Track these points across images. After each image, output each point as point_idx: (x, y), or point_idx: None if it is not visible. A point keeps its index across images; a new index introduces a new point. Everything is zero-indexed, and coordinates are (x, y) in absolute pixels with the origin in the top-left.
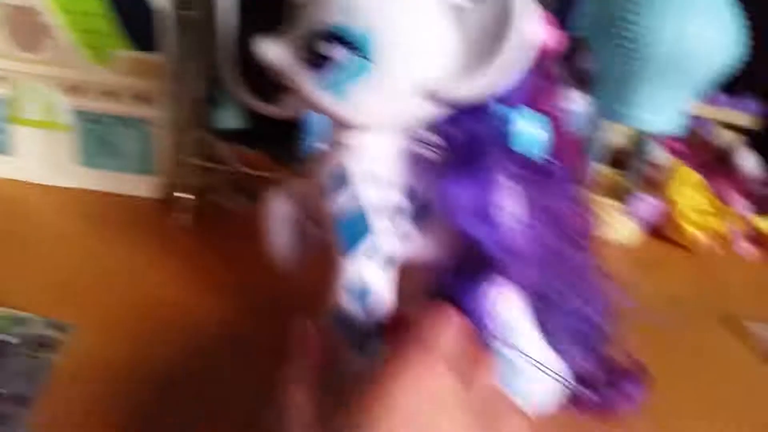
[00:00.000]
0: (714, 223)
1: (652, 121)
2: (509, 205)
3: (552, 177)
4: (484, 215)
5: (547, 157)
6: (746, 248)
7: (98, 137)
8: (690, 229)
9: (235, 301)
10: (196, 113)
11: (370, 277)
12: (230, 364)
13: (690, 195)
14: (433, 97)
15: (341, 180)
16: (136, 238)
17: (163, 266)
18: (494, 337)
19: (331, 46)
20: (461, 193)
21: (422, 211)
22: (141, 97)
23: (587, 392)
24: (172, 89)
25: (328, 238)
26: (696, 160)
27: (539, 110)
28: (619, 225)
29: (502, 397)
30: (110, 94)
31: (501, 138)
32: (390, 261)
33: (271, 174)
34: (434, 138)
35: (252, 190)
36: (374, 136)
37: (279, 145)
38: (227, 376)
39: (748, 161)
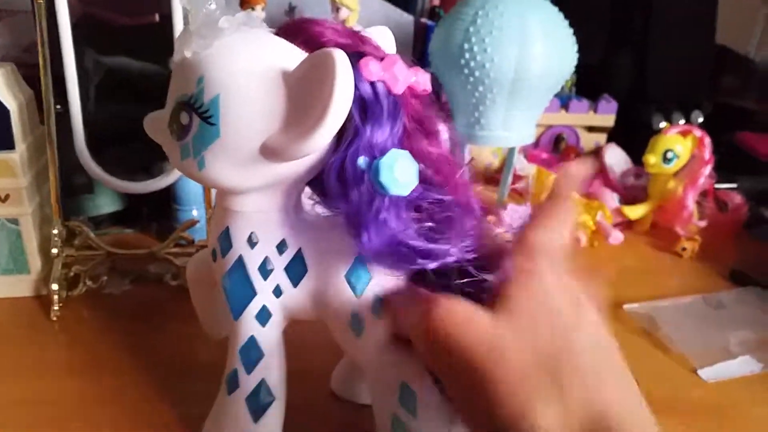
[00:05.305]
0: (582, 218)
1: (506, 138)
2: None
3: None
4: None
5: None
6: (615, 237)
7: None
8: None
9: (124, 386)
10: (61, 204)
11: (260, 338)
12: None
13: None
14: (276, 157)
15: (227, 244)
16: (15, 340)
17: (46, 363)
18: None
19: (187, 115)
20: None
21: (299, 266)
22: (2, 198)
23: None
24: (34, 185)
25: (223, 302)
26: (562, 165)
27: (415, 152)
28: None
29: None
30: None
31: (375, 187)
32: (277, 320)
33: (148, 251)
34: (309, 195)
35: (131, 271)
36: (250, 198)
37: (155, 221)
38: None
39: (613, 157)
